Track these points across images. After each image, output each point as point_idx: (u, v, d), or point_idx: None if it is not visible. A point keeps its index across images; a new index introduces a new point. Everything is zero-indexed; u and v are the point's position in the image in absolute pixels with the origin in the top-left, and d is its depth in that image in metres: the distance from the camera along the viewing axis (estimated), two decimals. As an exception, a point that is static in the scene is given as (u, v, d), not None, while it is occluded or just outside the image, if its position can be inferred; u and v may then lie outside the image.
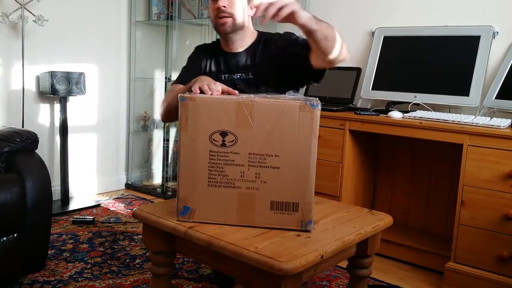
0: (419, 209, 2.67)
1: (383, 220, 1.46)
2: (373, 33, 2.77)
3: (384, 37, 2.72)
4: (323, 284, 2.14)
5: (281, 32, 1.83)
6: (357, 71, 2.76)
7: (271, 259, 1.09)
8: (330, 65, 1.59)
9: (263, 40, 1.79)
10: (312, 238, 1.24)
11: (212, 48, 1.86)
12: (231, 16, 1.70)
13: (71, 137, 3.15)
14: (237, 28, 1.73)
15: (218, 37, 1.85)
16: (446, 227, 2.55)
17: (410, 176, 2.69)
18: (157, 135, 3.75)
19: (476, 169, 2.04)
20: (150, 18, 3.58)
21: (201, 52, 1.87)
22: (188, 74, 1.76)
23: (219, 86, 1.37)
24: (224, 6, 1.68)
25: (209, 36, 3.55)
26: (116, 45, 3.50)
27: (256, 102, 1.22)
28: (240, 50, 1.78)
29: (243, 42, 1.78)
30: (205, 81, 1.41)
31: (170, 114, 1.71)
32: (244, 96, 1.31)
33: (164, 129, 3.52)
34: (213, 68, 1.81)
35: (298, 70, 1.69)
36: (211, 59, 1.82)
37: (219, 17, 1.70)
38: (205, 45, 1.95)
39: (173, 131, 3.54)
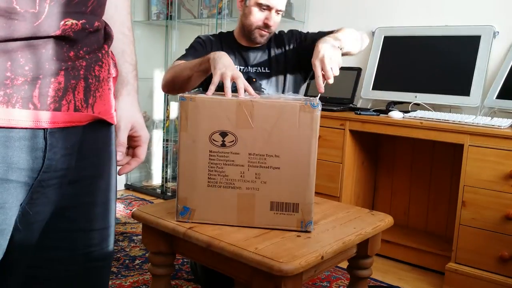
0: (419, 209, 2.66)
1: (384, 220, 1.46)
2: (373, 33, 2.77)
3: (384, 37, 2.72)
4: (324, 284, 2.13)
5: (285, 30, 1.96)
6: (357, 71, 2.75)
7: (271, 260, 1.08)
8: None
9: (273, 37, 1.89)
10: (312, 239, 1.23)
11: (226, 40, 1.88)
12: (271, 32, 1.82)
13: (70, 138, 3.14)
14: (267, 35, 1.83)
15: (222, 30, 1.89)
16: (446, 227, 2.55)
17: (411, 176, 2.68)
18: (157, 135, 3.74)
19: (477, 169, 2.03)
20: (149, 18, 3.57)
21: (214, 41, 1.87)
22: (195, 57, 1.74)
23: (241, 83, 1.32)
24: (272, 25, 1.78)
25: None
26: (116, 45, 3.50)
27: (256, 102, 1.22)
28: (256, 45, 1.86)
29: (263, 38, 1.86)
30: (229, 72, 1.34)
31: (174, 86, 1.70)
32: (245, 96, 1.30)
33: (164, 129, 3.51)
34: None
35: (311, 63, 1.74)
36: (226, 50, 1.81)
37: (261, 29, 1.78)
38: (217, 35, 1.93)
39: (173, 131, 3.53)
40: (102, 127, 0.76)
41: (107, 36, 0.77)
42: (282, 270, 1.06)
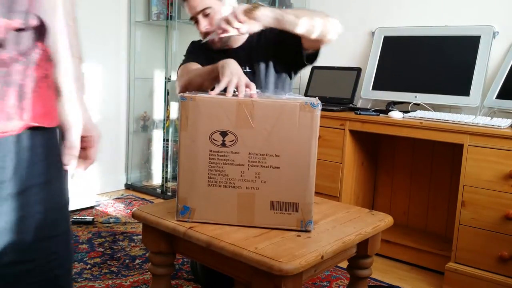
0: (419, 209, 2.67)
1: (383, 220, 1.46)
2: (373, 33, 2.77)
3: (384, 37, 2.72)
4: (323, 284, 2.13)
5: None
6: (357, 71, 2.75)
7: (271, 260, 1.08)
8: (320, 44, 1.65)
9: (255, 34, 1.79)
10: (312, 239, 1.23)
11: (206, 46, 1.85)
12: (218, 32, 1.69)
13: (70, 137, 3.14)
14: (227, 38, 1.73)
15: None
16: (446, 227, 2.55)
17: (411, 176, 2.68)
18: (157, 135, 3.75)
19: (477, 169, 2.03)
20: (149, 18, 3.57)
21: (202, 48, 1.85)
22: (196, 61, 1.75)
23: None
24: (207, 28, 1.71)
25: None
26: (116, 45, 3.50)
27: (256, 102, 1.22)
28: (235, 46, 1.82)
29: (236, 41, 1.81)
30: (235, 79, 1.35)
31: (187, 89, 1.70)
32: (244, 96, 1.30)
33: (164, 129, 3.51)
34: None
35: (292, 55, 1.72)
36: (210, 56, 1.80)
37: (207, 37, 1.72)
38: (198, 42, 1.92)
39: (173, 131, 3.53)
40: (43, 131, 0.72)
41: (43, 31, 0.73)
42: (282, 270, 1.06)
